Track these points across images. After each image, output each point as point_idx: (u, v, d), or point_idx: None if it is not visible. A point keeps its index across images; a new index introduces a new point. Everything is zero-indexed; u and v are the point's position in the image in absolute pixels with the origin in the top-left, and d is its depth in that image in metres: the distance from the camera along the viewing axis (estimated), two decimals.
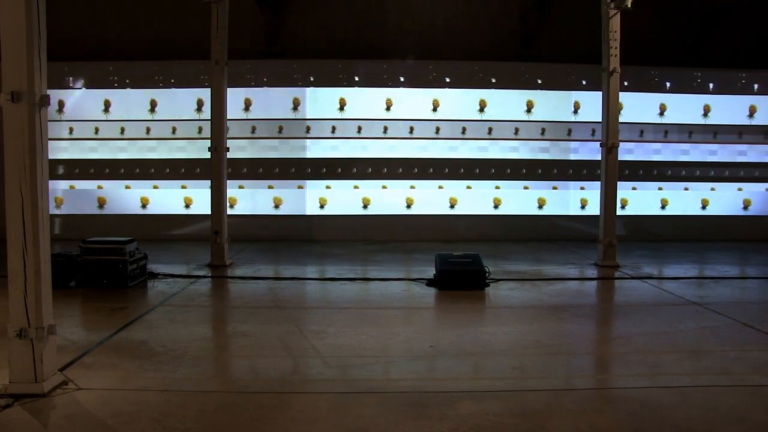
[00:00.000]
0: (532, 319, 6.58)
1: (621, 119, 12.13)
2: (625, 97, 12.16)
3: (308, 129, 12.26)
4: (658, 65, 12.54)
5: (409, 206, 12.44)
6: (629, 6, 8.81)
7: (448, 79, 12.35)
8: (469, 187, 12.47)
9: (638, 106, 12.48)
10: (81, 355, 5.07)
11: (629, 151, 12.47)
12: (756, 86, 12.66)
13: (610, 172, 9.52)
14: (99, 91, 12.27)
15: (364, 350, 5.37)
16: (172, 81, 12.27)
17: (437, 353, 5.27)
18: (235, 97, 11.66)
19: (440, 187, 12.44)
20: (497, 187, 12.51)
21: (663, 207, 12.79)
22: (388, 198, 12.43)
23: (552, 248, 11.35)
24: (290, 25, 12.87)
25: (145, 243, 8.50)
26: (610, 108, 9.43)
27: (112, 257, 7.66)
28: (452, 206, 12.47)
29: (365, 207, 12.41)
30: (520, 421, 3.85)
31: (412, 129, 12.26)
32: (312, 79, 12.27)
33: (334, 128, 12.23)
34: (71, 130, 12.24)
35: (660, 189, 12.73)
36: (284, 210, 12.43)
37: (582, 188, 12.60)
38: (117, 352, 5.21)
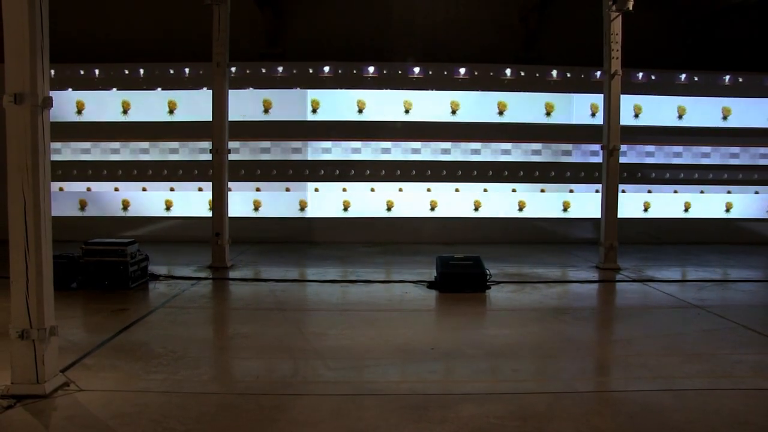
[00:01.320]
0: (532, 321, 6.58)
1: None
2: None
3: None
4: (659, 68, 12.55)
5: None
6: (630, 8, 8.82)
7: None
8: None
9: (651, 109, 12.51)
10: (82, 356, 5.07)
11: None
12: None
13: (612, 175, 9.51)
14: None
15: (365, 352, 5.37)
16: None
17: (438, 355, 5.27)
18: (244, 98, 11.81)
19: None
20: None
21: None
22: (396, 200, 12.43)
23: (554, 251, 11.35)
24: (291, 26, 12.89)
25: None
26: (611, 111, 9.42)
27: (114, 259, 7.66)
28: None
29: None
30: (521, 423, 3.85)
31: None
32: (313, 81, 12.27)
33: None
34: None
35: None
36: (288, 212, 12.43)
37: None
38: (118, 353, 5.22)
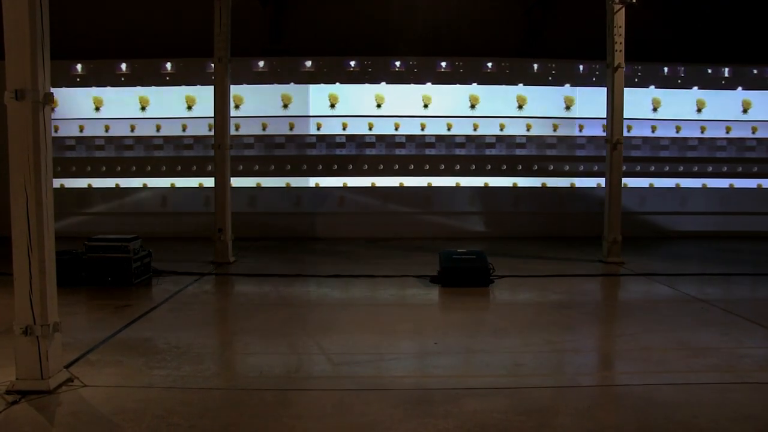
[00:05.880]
0: (536, 315, 6.57)
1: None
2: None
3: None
4: (662, 61, 12.47)
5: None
6: (634, 0, 8.75)
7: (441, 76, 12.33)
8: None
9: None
10: (86, 352, 5.08)
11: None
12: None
13: (615, 169, 9.46)
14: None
15: (368, 347, 5.36)
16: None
17: (441, 350, 5.27)
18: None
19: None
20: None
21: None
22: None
23: (557, 245, 11.31)
24: (293, 22, 12.84)
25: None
26: (615, 104, 9.37)
27: (117, 255, 7.67)
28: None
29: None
30: (526, 418, 3.84)
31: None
32: (316, 77, 12.24)
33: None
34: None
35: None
36: (289, 208, 12.42)
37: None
38: (122, 349, 5.23)
